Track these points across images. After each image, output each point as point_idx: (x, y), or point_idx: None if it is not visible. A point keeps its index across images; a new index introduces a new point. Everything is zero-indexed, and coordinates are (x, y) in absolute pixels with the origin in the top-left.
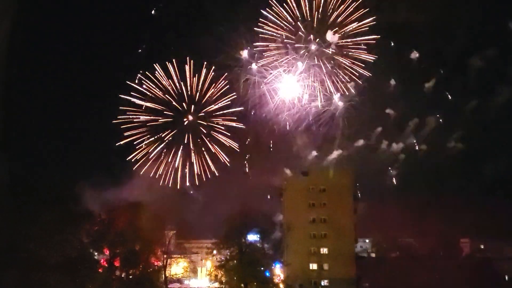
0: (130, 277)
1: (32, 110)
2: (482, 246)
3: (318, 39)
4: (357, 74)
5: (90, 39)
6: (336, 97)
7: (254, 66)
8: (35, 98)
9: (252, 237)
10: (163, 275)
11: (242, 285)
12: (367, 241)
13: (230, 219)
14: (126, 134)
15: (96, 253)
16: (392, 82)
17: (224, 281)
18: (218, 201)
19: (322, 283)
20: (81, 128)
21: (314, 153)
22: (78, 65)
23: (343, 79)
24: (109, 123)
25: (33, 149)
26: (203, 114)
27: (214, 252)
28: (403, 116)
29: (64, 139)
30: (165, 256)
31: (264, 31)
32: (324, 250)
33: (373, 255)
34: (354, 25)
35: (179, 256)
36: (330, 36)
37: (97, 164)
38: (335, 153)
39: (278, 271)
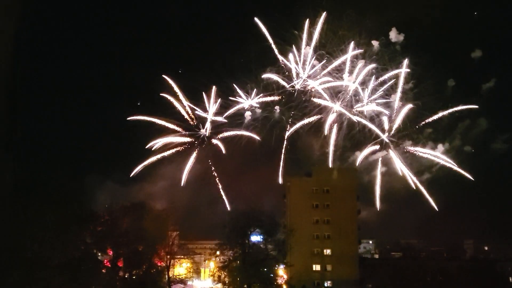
0: (134, 277)
1: (37, 111)
2: (486, 248)
3: None
4: None
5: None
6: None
7: None
8: (39, 99)
9: (256, 238)
10: (166, 276)
11: (245, 286)
12: (370, 242)
13: (234, 220)
14: None
15: (99, 254)
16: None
17: (227, 282)
18: None
19: (326, 284)
20: (86, 129)
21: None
22: (82, 64)
23: None
24: (113, 123)
25: (38, 149)
26: None
27: (217, 253)
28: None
29: (68, 139)
30: (168, 256)
31: None
32: (327, 251)
33: (376, 256)
34: None
35: (182, 256)
36: None
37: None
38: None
39: (282, 272)
